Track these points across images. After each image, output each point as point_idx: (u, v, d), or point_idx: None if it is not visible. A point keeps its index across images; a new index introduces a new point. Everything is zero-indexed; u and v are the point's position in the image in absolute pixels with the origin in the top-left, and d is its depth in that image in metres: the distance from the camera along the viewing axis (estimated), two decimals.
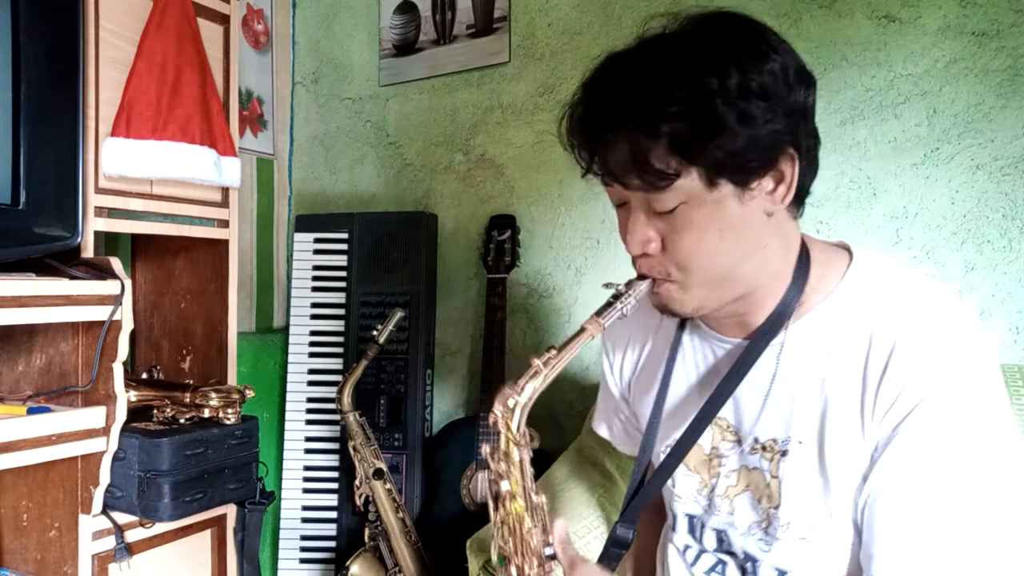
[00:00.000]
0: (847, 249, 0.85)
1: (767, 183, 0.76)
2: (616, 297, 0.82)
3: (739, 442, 0.86)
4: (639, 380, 1.01)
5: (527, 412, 0.81)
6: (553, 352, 0.81)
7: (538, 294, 2.06)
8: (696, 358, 0.92)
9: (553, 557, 0.83)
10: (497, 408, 0.81)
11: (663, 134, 0.71)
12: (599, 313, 0.82)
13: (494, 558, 0.86)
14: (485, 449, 0.83)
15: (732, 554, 0.89)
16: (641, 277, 0.83)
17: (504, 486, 0.82)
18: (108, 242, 1.84)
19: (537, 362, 0.81)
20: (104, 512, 1.41)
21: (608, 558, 0.95)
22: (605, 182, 0.81)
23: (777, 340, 0.82)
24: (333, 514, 2.08)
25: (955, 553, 0.71)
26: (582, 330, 0.81)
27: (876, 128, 1.58)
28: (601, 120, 0.76)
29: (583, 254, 1.99)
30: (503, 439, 0.81)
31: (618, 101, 0.75)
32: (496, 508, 0.84)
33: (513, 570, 0.84)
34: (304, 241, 2.17)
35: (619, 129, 0.74)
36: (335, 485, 2.09)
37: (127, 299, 1.37)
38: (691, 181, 0.73)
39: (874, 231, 1.59)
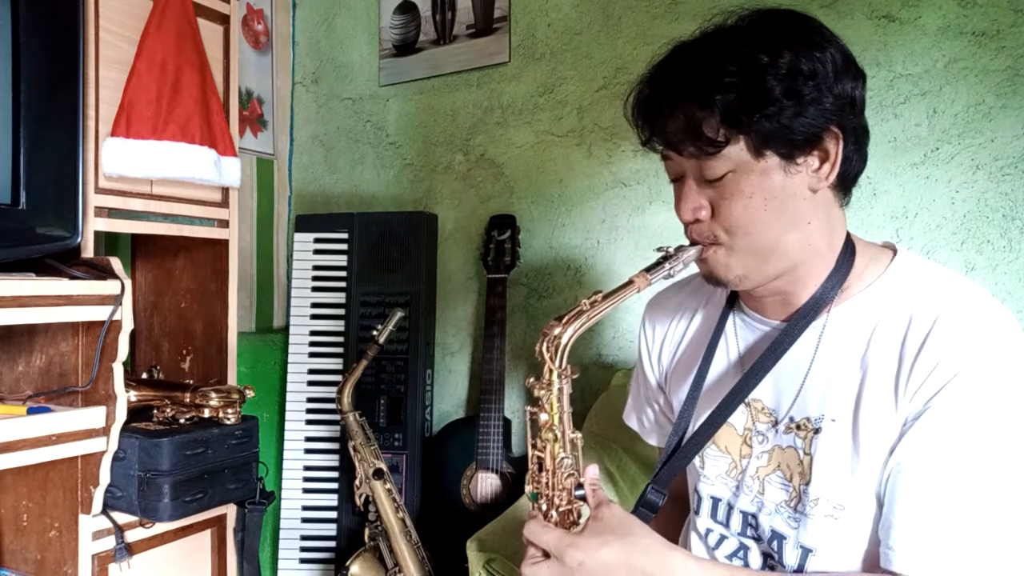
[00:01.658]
0: (892, 248, 0.88)
1: (812, 161, 0.80)
2: (665, 258, 0.86)
3: (775, 424, 0.88)
4: (680, 362, 1.03)
5: (570, 347, 0.84)
6: (598, 297, 0.84)
7: (538, 294, 2.06)
8: (738, 340, 0.94)
9: (583, 498, 0.85)
10: (542, 341, 0.85)
11: (715, 103, 0.77)
12: (648, 270, 0.86)
13: (527, 491, 0.89)
14: (529, 380, 0.87)
15: (758, 539, 0.90)
16: (692, 244, 0.86)
17: (543, 417, 0.86)
18: (108, 242, 1.84)
19: (584, 302, 0.84)
20: (104, 512, 1.41)
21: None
22: (663, 156, 0.86)
23: (819, 323, 0.85)
24: (333, 514, 2.08)
25: (977, 526, 0.72)
26: (629, 282, 0.85)
27: (876, 128, 1.57)
28: (661, 95, 0.82)
29: (583, 254, 1.99)
30: (546, 370, 0.85)
31: (677, 78, 0.81)
32: (534, 444, 0.88)
33: (543, 504, 0.87)
34: (304, 241, 2.17)
35: (677, 103, 0.80)
36: (335, 485, 2.09)
37: (127, 299, 1.37)
38: (739, 150, 0.78)
39: (874, 231, 1.59)
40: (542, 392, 0.85)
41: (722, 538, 0.94)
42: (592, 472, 0.87)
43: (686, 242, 0.88)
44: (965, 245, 1.51)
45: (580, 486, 0.85)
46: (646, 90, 0.84)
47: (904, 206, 1.57)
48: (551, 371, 0.84)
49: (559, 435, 0.86)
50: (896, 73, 1.56)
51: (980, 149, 1.49)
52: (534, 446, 0.87)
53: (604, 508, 0.81)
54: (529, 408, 0.88)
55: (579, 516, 0.87)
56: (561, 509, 0.86)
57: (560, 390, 0.85)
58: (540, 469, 0.87)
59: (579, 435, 0.87)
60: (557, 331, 0.83)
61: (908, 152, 1.56)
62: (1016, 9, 1.45)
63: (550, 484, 0.86)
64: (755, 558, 0.90)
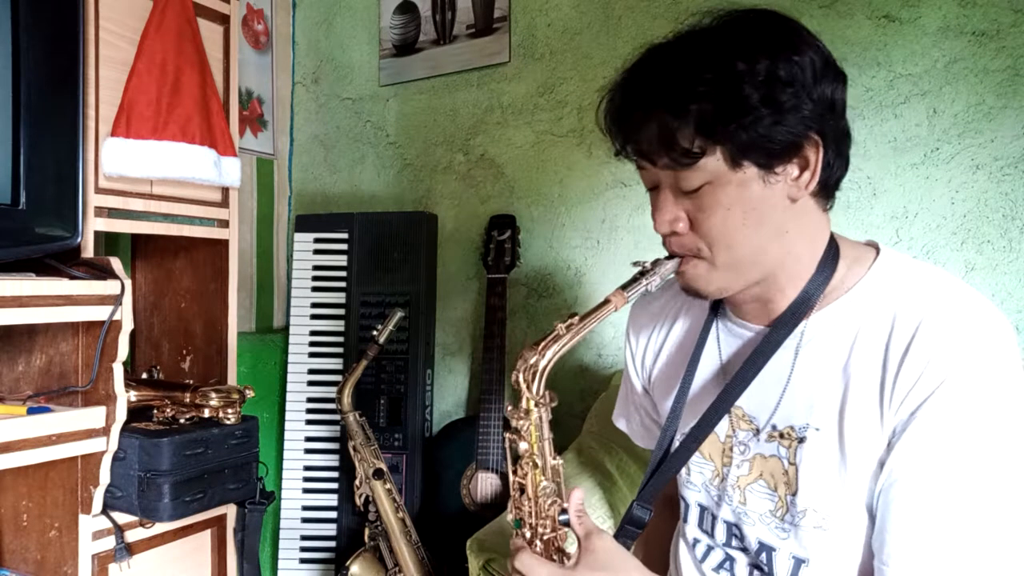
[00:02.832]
0: (875, 247, 0.86)
1: (792, 169, 0.78)
2: (642, 274, 0.84)
3: (756, 431, 0.86)
4: (663, 368, 1.01)
5: (547, 374, 0.82)
6: (575, 320, 0.83)
7: (538, 294, 2.06)
8: (722, 345, 0.93)
9: (567, 524, 0.84)
10: (519, 369, 0.83)
11: (690, 113, 0.74)
12: (624, 287, 0.84)
13: (509, 518, 0.88)
14: (508, 408, 0.85)
15: (744, 549, 0.88)
16: (670, 257, 0.84)
17: (523, 446, 0.84)
18: (108, 242, 1.84)
19: (560, 326, 0.83)
20: (104, 512, 1.41)
21: (623, 536, 0.96)
22: (638, 165, 0.84)
23: (798, 329, 0.83)
24: (333, 514, 2.08)
25: (970, 540, 0.71)
26: (606, 301, 0.83)
27: (876, 128, 1.58)
28: (634, 103, 0.79)
29: (583, 254, 1.99)
30: (524, 399, 0.83)
31: (650, 85, 0.78)
32: (515, 471, 0.86)
33: (527, 532, 0.85)
34: (304, 241, 2.17)
35: (650, 111, 0.77)
36: (335, 485, 2.09)
37: (127, 299, 1.37)
38: (716, 161, 0.76)
39: (874, 231, 1.59)
40: (520, 422, 0.84)
41: (709, 549, 0.93)
42: (576, 498, 0.85)
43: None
44: (965, 245, 1.51)
45: (564, 511, 0.84)
46: (618, 97, 0.81)
47: (904, 206, 1.57)
48: (528, 399, 0.83)
49: (539, 463, 0.84)
50: (896, 73, 1.56)
51: (980, 149, 1.49)
52: (515, 473, 0.86)
53: (596, 539, 0.80)
54: (508, 435, 0.86)
55: (563, 541, 0.87)
56: (545, 537, 0.85)
57: (539, 418, 0.83)
58: (522, 494, 0.86)
59: (560, 461, 0.86)
60: (533, 359, 0.82)
61: (908, 152, 1.56)
62: (1016, 9, 1.45)
63: (533, 512, 0.85)
64: (741, 570, 0.89)
